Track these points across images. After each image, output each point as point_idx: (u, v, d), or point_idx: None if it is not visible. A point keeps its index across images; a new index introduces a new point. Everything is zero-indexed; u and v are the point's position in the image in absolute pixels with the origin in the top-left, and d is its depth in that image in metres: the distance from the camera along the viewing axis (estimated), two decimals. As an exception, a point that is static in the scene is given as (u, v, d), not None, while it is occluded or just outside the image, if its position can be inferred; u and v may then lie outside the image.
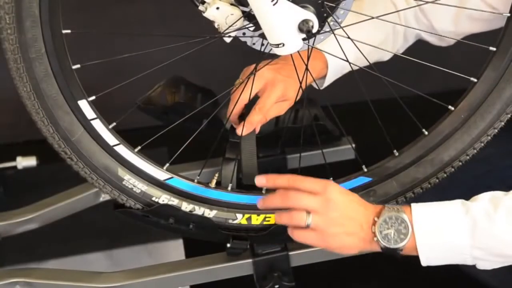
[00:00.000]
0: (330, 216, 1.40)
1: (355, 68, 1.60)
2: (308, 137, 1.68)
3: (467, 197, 1.42)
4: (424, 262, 1.39)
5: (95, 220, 2.05)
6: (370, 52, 1.62)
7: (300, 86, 1.55)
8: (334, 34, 1.43)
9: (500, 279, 1.82)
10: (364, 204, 1.43)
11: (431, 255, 1.39)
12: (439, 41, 1.76)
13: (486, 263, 1.39)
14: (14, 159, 2.19)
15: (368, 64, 1.56)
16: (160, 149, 1.97)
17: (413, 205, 1.40)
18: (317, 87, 1.70)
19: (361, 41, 1.50)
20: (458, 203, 1.39)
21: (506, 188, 1.40)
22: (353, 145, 1.78)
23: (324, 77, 1.69)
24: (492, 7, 1.66)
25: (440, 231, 1.37)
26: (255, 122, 1.56)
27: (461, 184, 1.56)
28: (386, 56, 1.75)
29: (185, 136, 1.52)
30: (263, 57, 1.46)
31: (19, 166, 2.19)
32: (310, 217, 1.40)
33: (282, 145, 1.77)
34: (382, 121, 1.55)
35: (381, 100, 1.71)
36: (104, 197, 1.77)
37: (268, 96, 1.57)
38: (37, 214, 1.75)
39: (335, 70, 1.68)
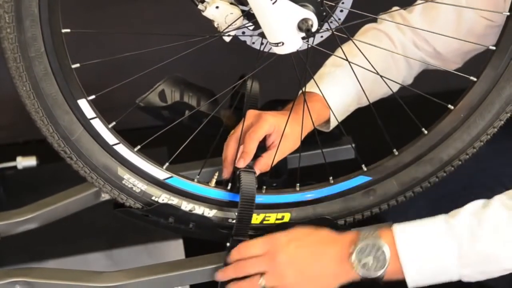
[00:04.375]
0: (281, 271, 1.40)
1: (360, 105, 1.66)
2: (308, 137, 1.68)
3: (461, 195, 1.42)
4: (411, 284, 1.38)
5: (95, 220, 2.05)
6: (373, 87, 1.63)
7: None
8: (334, 34, 1.43)
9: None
10: (332, 239, 1.42)
11: (418, 278, 1.37)
12: (445, 64, 1.73)
13: (471, 279, 1.39)
14: (14, 159, 2.20)
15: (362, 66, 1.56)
16: (159, 149, 1.97)
17: (395, 228, 1.38)
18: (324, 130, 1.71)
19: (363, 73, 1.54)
20: (441, 221, 1.37)
21: (500, 186, 1.40)
22: (353, 145, 1.78)
23: (327, 120, 1.68)
24: (488, 19, 1.67)
25: (426, 254, 1.36)
26: (250, 151, 1.53)
27: (455, 181, 1.56)
28: (394, 88, 1.70)
29: (185, 135, 1.52)
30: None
31: (19, 166, 2.19)
32: (263, 279, 1.42)
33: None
34: (382, 120, 1.55)
35: (381, 99, 1.71)
36: (104, 197, 1.77)
37: (260, 125, 1.55)
38: (37, 214, 1.74)
39: (338, 110, 1.66)
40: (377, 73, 1.53)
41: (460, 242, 1.35)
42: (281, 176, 1.77)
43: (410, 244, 1.36)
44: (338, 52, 1.54)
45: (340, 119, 1.67)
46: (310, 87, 1.65)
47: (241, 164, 1.52)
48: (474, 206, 1.38)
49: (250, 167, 1.52)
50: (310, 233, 1.45)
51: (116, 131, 1.46)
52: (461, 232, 1.35)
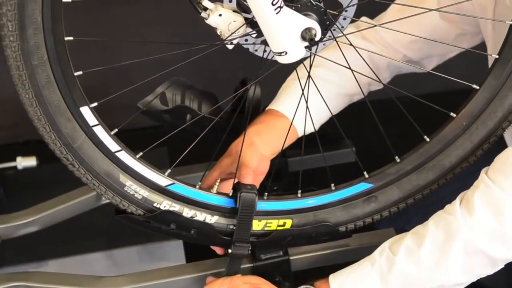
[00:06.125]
0: None
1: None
2: (309, 141, 1.68)
3: (451, 200, 1.44)
4: None
5: (95, 220, 2.05)
6: (337, 97, 1.68)
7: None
8: (337, 42, 1.43)
9: (496, 279, 1.81)
10: None
11: None
12: (420, 66, 1.77)
13: None
14: (14, 159, 2.20)
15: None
16: (159, 149, 1.97)
17: (331, 276, 1.46)
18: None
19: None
20: (365, 259, 1.45)
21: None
22: (354, 148, 1.79)
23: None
24: (459, 27, 1.72)
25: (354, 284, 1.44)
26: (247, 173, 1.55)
27: (446, 186, 1.57)
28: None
29: (186, 137, 1.52)
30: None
31: (19, 166, 2.19)
32: None
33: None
34: (383, 125, 1.55)
35: (383, 104, 1.71)
36: (105, 200, 1.76)
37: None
38: (37, 217, 1.75)
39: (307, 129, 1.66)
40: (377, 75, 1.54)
41: (381, 271, 1.42)
42: (282, 180, 1.77)
43: (342, 285, 1.44)
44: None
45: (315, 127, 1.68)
46: (274, 104, 1.68)
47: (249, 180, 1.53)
48: (396, 237, 1.46)
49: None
50: (264, 282, 1.52)
51: (116, 133, 1.45)
52: (381, 262, 1.42)
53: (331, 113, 1.63)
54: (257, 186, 1.59)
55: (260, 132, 1.62)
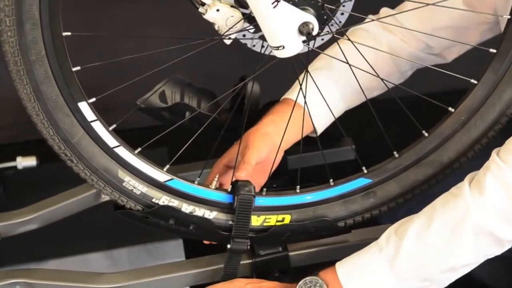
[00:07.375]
0: None
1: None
2: (309, 138, 1.68)
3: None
4: None
5: (95, 220, 2.06)
6: (357, 91, 1.64)
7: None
8: (335, 37, 1.43)
9: (495, 277, 1.82)
10: (280, 285, 1.50)
11: None
12: (440, 58, 1.75)
13: None
14: (14, 159, 2.19)
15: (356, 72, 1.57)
16: (160, 149, 1.97)
17: (337, 265, 1.45)
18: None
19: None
20: (371, 245, 1.44)
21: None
22: (353, 146, 1.78)
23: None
24: (481, 15, 1.68)
25: (364, 275, 1.42)
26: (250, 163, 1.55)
27: (447, 179, 1.56)
28: (383, 89, 1.72)
29: (185, 136, 1.52)
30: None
31: (19, 166, 2.19)
32: None
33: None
34: (382, 122, 1.55)
35: (381, 100, 1.71)
36: (104, 198, 1.77)
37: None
38: (37, 215, 1.75)
39: (323, 117, 1.66)
40: (378, 76, 1.54)
41: (388, 257, 1.40)
42: (281, 177, 1.77)
43: (349, 273, 1.43)
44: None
45: (327, 125, 1.68)
46: (290, 94, 1.67)
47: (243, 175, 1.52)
48: (402, 221, 1.44)
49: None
50: (263, 281, 1.52)
51: (116, 131, 1.45)
52: (387, 246, 1.41)
53: (332, 113, 1.63)
54: (267, 177, 1.60)
55: (275, 122, 1.62)
